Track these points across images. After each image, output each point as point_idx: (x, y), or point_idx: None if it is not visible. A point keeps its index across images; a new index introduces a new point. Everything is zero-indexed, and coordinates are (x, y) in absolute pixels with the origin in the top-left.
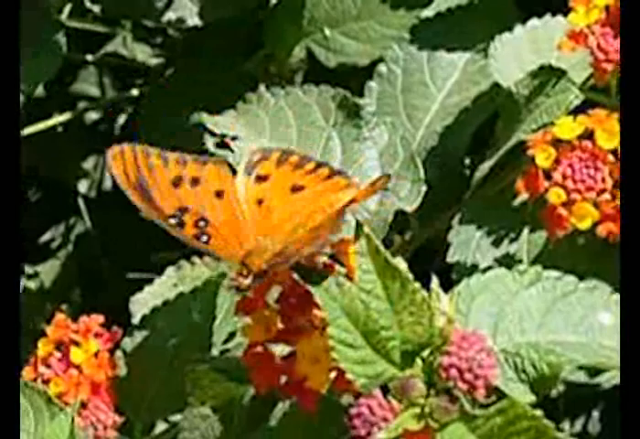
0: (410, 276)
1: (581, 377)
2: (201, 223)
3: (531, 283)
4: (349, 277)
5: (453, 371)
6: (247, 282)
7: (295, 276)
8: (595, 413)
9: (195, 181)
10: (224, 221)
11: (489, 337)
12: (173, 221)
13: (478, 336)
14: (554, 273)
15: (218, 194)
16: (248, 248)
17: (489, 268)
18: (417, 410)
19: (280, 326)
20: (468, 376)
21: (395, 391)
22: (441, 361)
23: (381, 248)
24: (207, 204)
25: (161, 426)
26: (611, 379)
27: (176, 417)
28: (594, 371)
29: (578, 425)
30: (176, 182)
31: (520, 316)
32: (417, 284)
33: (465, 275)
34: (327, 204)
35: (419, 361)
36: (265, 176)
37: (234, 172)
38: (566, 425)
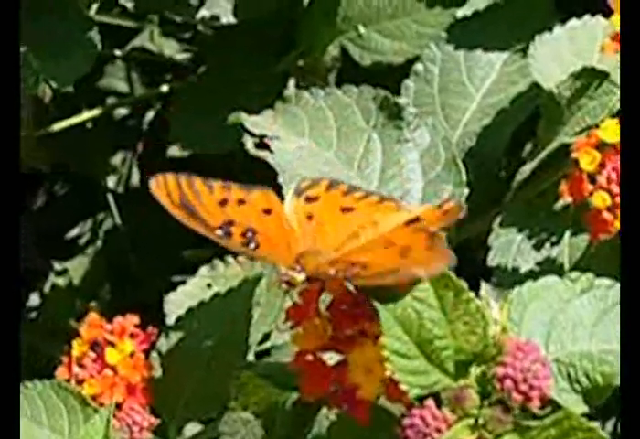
0: (464, 285)
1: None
2: (249, 234)
3: (583, 291)
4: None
5: (508, 382)
6: (300, 277)
7: (347, 284)
8: None
9: (241, 202)
10: (273, 231)
11: (542, 346)
12: (220, 232)
13: (533, 345)
14: (606, 282)
15: (266, 211)
16: (300, 251)
17: (530, 272)
18: (470, 421)
19: (331, 334)
20: (523, 387)
21: (448, 402)
22: (495, 372)
23: None
24: (254, 218)
25: (191, 427)
26: None
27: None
28: None
29: (609, 426)
30: (223, 202)
31: (573, 325)
32: (471, 294)
33: (505, 279)
34: (379, 219)
35: (473, 371)
36: (315, 197)
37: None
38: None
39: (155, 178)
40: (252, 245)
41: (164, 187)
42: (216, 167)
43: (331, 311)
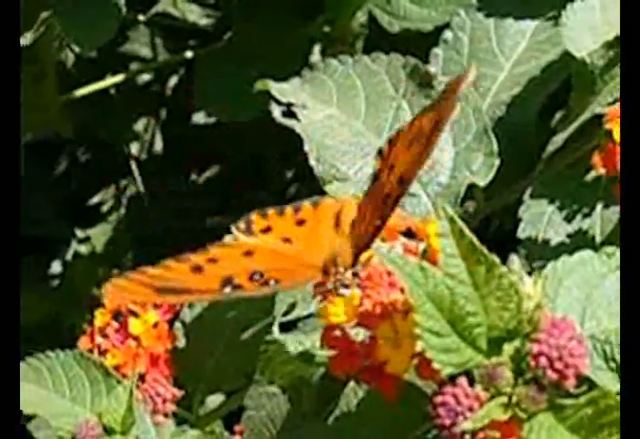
0: (497, 260)
1: None
2: (256, 276)
3: (619, 266)
4: (432, 260)
5: (543, 360)
6: (348, 275)
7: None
8: None
9: (212, 260)
10: (284, 260)
11: (577, 322)
12: (228, 289)
13: (568, 322)
14: None
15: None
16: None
17: (561, 244)
18: (504, 399)
19: (360, 309)
20: (558, 365)
21: (481, 380)
22: (530, 349)
23: (466, 230)
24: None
25: (215, 398)
26: None
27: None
28: None
29: None
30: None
31: (608, 301)
32: (504, 269)
33: (535, 251)
34: None
35: (506, 349)
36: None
37: None
38: None
39: (108, 289)
40: (272, 282)
41: (124, 290)
42: (241, 135)
43: (360, 286)
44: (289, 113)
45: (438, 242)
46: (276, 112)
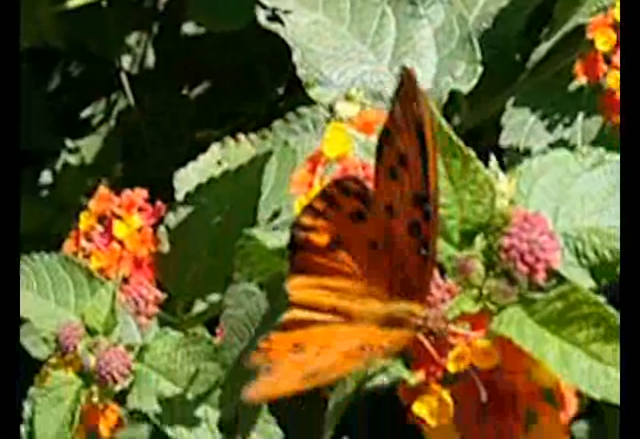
0: (473, 154)
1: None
2: None
3: (594, 165)
4: None
5: (514, 253)
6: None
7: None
8: None
9: None
10: None
11: (550, 220)
12: None
13: (540, 217)
14: (617, 157)
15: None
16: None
17: (542, 153)
18: (474, 292)
19: None
20: (529, 258)
21: (452, 272)
22: (501, 242)
23: (445, 124)
24: None
25: (200, 306)
26: None
27: (216, 297)
28: None
29: None
30: None
31: (582, 200)
32: (479, 163)
33: (517, 159)
34: None
35: (478, 242)
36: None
37: None
38: None
39: None
40: None
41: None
42: (233, 48)
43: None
44: (274, 18)
45: None
46: (261, 16)
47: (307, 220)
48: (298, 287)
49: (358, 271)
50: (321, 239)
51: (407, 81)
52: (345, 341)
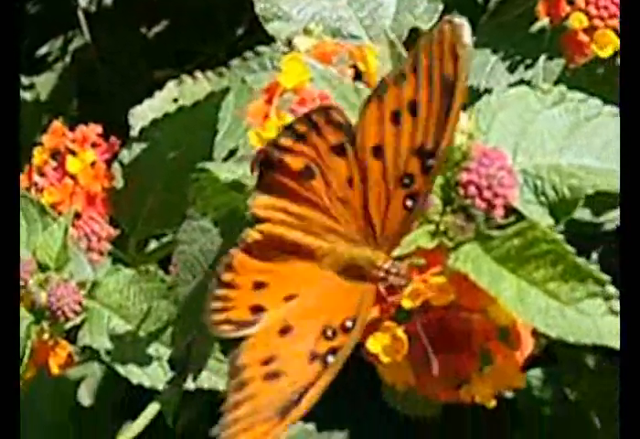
0: None
1: (586, 215)
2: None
3: (555, 103)
4: (367, 83)
5: (472, 189)
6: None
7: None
8: (594, 255)
9: None
10: None
11: (509, 156)
12: None
13: (500, 153)
14: (579, 95)
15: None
16: None
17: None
18: (431, 227)
19: None
20: (487, 194)
21: None
22: (459, 178)
23: (404, 55)
24: None
25: (153, 245)
26: (613, 219)
27: (169, 237)
28: (599, 209)
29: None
30: None
31: (542, 137)
32: None
33: (477, 100)
34: None
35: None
36: None
37: None
38: None
39: None
40: None
41: None
42: None
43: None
44: None
45: (374, 66)
46: None
47: (286, 141)
48: (263, 207)
49: (329, 204)
50: (296, 163)
51: (451, 35)
52: (307, 320)
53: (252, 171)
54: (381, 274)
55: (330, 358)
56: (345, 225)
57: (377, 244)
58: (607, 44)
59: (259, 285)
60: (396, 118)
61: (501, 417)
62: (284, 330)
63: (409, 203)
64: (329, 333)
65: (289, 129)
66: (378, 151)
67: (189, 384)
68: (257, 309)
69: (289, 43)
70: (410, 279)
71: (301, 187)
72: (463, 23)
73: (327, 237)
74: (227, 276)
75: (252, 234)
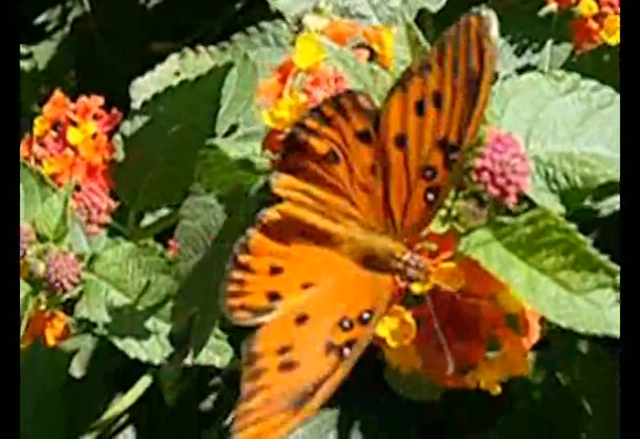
0: None
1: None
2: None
3: (567, 90)
4: (382, 65)
5: (485, 175)
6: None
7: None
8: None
9: None
10: None
11: (522, 142)
12: None
13: (513, 139)
14: (592, 83)
15: None
16: None
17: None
18: (443, 212)
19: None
20: (500, 180)
21: None
22: (472, 163)
23: (421, 38)
24: None
25: (152, 219)
26: (612, 205)
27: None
28: (599, 196)
29: None
30: None
31: (554, 124)
32: None
33: None
34: None
35: None
36: None
37: None
38: None
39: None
40: None
41: None
42: None
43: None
44: None
45: (390, 48)
46: None
47: (312, 123)
48: (284, 186)
49: (350, 191)
50: (321, 146)
51: (478, 28)
52: (324, 309)
53: (264, 149)
54: (400, 266)
55: (346, 351)
56: (365, 213)
57: (396, 235)
58: (616, 31)
59: (276, 271)
60: (420, 109)
61: (491, 400)
62: (301, 319)
63: (430, 196)
64: (346, 324)
65: (316, 111)
66: (401, 141)
67: (186, 360)
68: (273, 296)
69: (298, 21)
70: (429, 273)
71: (324, 170)
72: (490, 16)
73: (347, 223)
74: (243, 258)
75: (271, 214)
